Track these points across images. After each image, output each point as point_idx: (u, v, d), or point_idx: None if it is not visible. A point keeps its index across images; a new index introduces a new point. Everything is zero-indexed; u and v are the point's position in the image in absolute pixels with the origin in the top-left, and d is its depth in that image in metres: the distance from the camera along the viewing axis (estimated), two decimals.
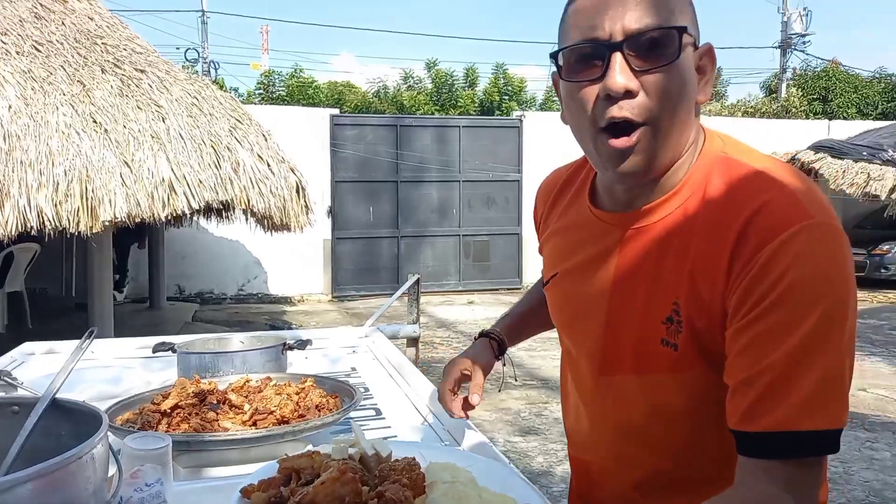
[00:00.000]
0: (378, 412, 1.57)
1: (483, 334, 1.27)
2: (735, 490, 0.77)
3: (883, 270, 11.05)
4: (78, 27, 5.99)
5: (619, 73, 0.80)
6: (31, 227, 4.65)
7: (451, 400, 1.17)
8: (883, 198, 10.54)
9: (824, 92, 17.86)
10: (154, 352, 1.85)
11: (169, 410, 1.28)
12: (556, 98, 0.86)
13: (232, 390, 1.36)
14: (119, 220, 4.83)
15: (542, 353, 6.63)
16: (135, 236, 9.07)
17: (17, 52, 5.40)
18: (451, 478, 0.68)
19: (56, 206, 4.67)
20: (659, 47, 0.81)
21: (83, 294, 7.30)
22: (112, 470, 0.88)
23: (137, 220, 4.93)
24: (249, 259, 10.50)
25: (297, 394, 1.37)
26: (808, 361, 0.74)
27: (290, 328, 8.02)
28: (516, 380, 5.67)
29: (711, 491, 0.79)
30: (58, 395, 0.93)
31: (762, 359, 0.76)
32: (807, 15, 17.88)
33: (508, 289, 11.31)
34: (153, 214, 4.93)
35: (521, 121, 11.58)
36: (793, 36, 18.15)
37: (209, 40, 16.51)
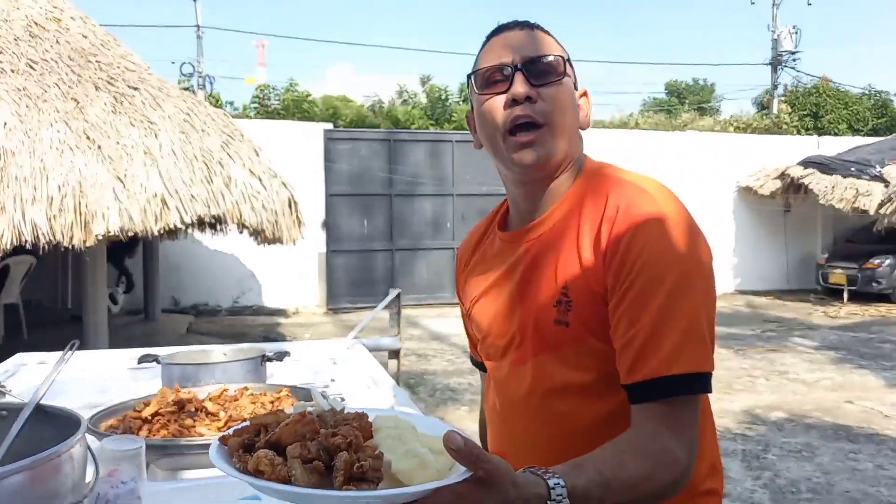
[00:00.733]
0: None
1: None
2: (626, 432, 0.94)
3: (874, 284, 11.15)
4: (72, 45, 6.10)
5: (521, 84, 1.03)
6: (26, 241, 4.73)
7: None
8: (871, 213, 10.66)
9: (815, 108, 18.05)
10: (139, 363, 1.92)
11: (150, 417, 1.36)
12: None
13: (209, 399, 1.44)
14: (112, 234, 4.91)
15: None
16: (124, 248, 9.13)
17: (13, 70, 5.50)
18: (394, 425, 0.79)
19: (50, 220, 4.75)
20: (549, 69, 1.05)
21: (79, 306, 7.36)
22: (91, 469, 0.96)
23: (130, 234, 5.01)
24: (244, 272, 10.57)
25: (272, 402, 1.44)
26: (669, 321, 0.94)
27: (283, 340, 8.07)
28: None
29: None
30: (42, 402, 1.01)
31: (634, 323, 0.95)
32: (796, 33, 18.10)
33: None
34: (146, 229, 5.01)
35: None
36: (783, 53, 18.36)
37: (205, 55, 16.64)
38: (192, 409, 1.39)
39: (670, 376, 0.93)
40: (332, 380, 2.05)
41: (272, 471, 0.71)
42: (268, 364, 1.83)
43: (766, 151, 12.70)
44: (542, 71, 1.04)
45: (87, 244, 4.85)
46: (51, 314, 8.93)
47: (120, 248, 9.12)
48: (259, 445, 0.75)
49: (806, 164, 11.66)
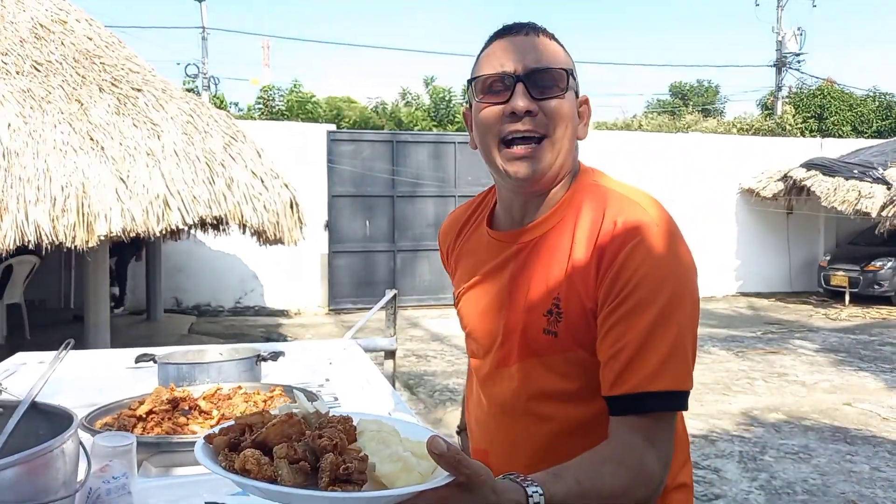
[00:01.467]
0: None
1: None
2: (605, 443, 0.96)
3: (875, 287, 11.13)
4: (77, 47, 6.15)
5: (521, 97, 1.02)
6: (29, 241, 4.77)
7: None
8: (874, 215, 10.65)
9: (819, 110, 18.04)
10: (136, 362, 1.96)
11: (144, 415, 1.39)
12: None
13: (203, 398, 1.47)
14: (114, 234, 4.95)
15: None
16: (132, 250, 9.19)
17: (17, 72, 5.55)
18: (378, 428, 0.82)
19: (53, 220, 4.79)
20: (552, 82, 1.03)
21: (82, 306, 7.41)
22: (83, 464, 0.99)
23: (132, 234, 5.05)
24: (246, 272, 10.61)
25: (265, 401, 1.48)
26: (657, 338, 0.96)
27: (284, 341, 8.11)
28: None
29: None
30: (38, 400, 1.04)
31: (623, 337, 0.97)
32: (801, 34, 18.06)
33: None
34: (148, 229, 5.05)
35: None
36: (788, 55, 18.34)
37: (209, 56, 16.71)
38: (186, 408, 1.42)
39: (652, 392, 0.95)
40: (327, 379, 2.09)
41: (259, 470, 0.72)
42: (263, 364, 1.87)
43: (769, 153, 12.69)
44: (544, 84, 1.03)
45: (90, 245, 4.89)
46: (54, 314, 8.99)
47: (127, 252, 9.19)
48: (245, 445, 0.76)
49: (809, 166, 11.65)
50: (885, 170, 11.19)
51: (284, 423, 0.77)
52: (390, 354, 3.72)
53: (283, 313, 10.60)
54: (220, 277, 10.51)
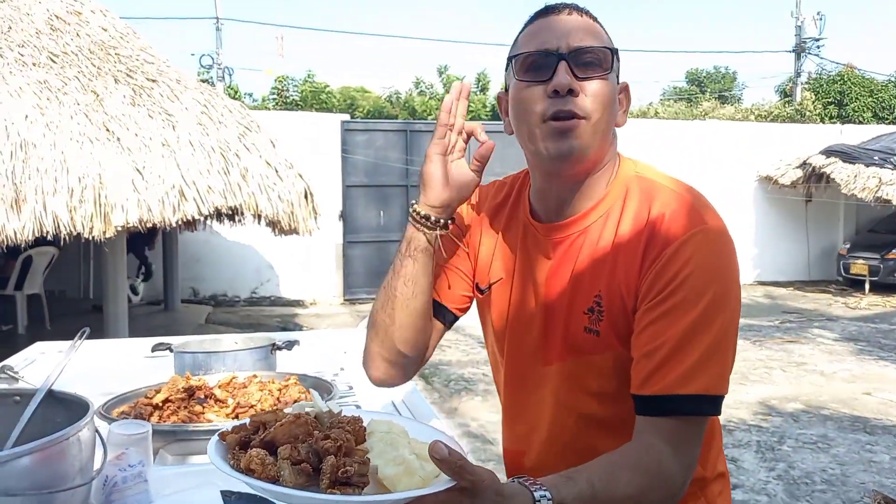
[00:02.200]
0: (358, 408, 1.68)
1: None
2: (627, 444, 0.94)
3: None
4: (92, 38, 6.18)
5: (565, 75, 0.97)
6: (47, 232, 4.82)
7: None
8: (894, 203, 10.51)
9: (839, 96, 17.77)
10: (152, 351, 1.97)
11: (160, 404, 1.40)
12: None
13: (219, 386, 1.47)
14: (131, 225, 4.98)
15: None
16: (144, 239, 9.27)
17: (34, 64, 5.59)
18: (387, 429, 0.82)
19: (70, 211, 4.83)
20: (596, 61, 0.99)
21: (100, 296, 7.49)
22: (99, 452, 1.00)
23: (149, 225, 5.09)
24: (262, 262, 10.67)
25: (280, 390, 1.48)
26: (695, 339, 0.92)
27: (300, 330, 8.15)
28: None
29: None
30: (55, 388, 1.04)
31: (660, 335, 0.93)
32: (820, 19, 17.77)
33: None
34: (164, 220, 5.08)
35: None
36: (807, 40, 18.06)
37: (224, 47, 16.74)
38: (202, 396, 1.42)
39: (684, 395, 0.92)
40: (342, 368, 2.08)
41: (262, 470, 0.74)
42: (278, 353, 1.87)
43: (788, 140, 12.53)
44: (588, 63, 0.98)
45: (107, 235, 4.93)
46: (73, 304, 9.10)
47: (140, 240, 9.26)
48: (254, 444, 0.78)
49: (828, 153, 11.50)
50: None
51: (292, 424, 0.78)
52: None
53: (298, 303, 10.65)
54: (237, 268, 10.58)
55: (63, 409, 1.02)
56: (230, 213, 5.75)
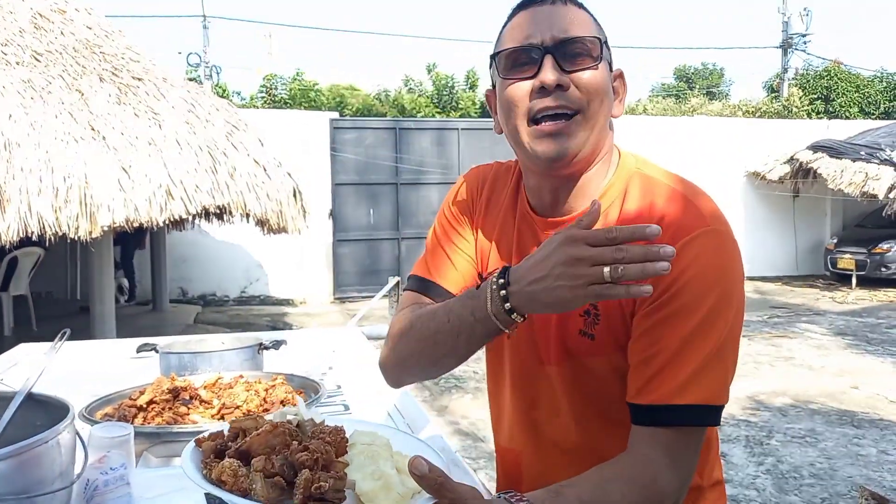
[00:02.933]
0: (346, 407, 1.67)
1: None
2: (621, 455, 0.90)
3: (883, 269, 11.08)
4: (76, 37, 6.12)
5: (551, 70, 0.92)
6: (32, 233, 4.77)
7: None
8: (881, 197, 10.58)
9: (826, 91, 17.88)
10: (138, 352, 1.95)
11: (145, 405, 1.38)
12: None
13: (204, 387, 1.46)
14: (118, 225, 4.94)
15: None
16: (134, 240, 9.21)
17: (17, 62, 5.53)
18: (370, 441, 0.80)
19: (56, 211, 4.79)
20: (584, 52, 0.94)
21: (87, 297, 7.43)
22: (80, 455, 0.98)
23: (136, 224, 5.05)
24: (251, 262, 10.62)
25: (266, 390, 1.46)
26: (695, 347, 0.88)
27: (290, 329, 8.12)
28: None
29: None
30: (36, 391, 1.03)
31: (658, 342, 0.89)
32: (807, 15, 17.87)
33: None
34: (151, 219, 5.04)
35: None
36: (794, 36, 18.15)
37: (211, 45, 16.64)
38: (187, 397, 1.41)
39: (682, 405, 0.87)
40: (330, 368, 2.07)
41: (234, 482, 0.72)
42: (266, 353, 1.85)
43: (775, 136, 12.60)
44: (575, 54, 0.93)
45: (93, 235, 4.89)
46: (60, 306, 9.03)
47: (128, 245, 9.21)
48: (229, 453, 0.76)
49: (815, 148, 11.57)
50: (892, 151, 11.08)
51: (269, 434, 0.76)
52: None
53: (288, 302, 10.61)
54: (226, 267, 10.53)
55: (43, 412, 1.00)
56: (218, 212, 5.72)
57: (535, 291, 0.83)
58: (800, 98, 17.38)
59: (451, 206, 1.16)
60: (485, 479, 3.40)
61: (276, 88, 16.57)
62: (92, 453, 1.00)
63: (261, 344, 1.80)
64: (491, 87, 1.05)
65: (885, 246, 11.13)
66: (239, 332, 7.40)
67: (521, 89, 0.94)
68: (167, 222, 5.27)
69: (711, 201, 0.96)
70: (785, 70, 18.60)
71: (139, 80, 5.93)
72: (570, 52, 0.93)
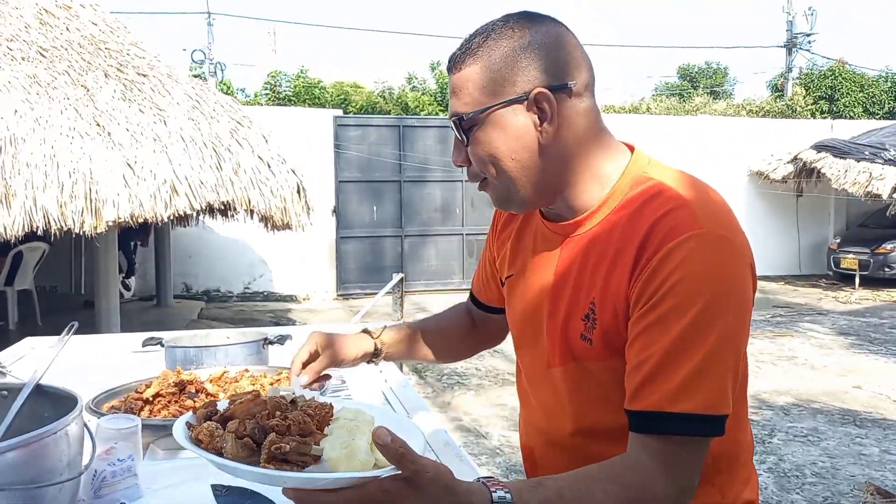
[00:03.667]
0: (348, 399, 1.68)
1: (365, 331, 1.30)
2: (618, 456, 0.88)
3: (886, 269, 11.06)
4: (82, 32, 6.13)
5: (454, 150, 1.01)
6: (37, 228, 4.79)
7: (298, 372, 1.13)
8: (885, 197, 10.56)
9: (830, 91, 17.85)
10: (143, 346, 1.96)
11: (151, 398, 1.39)
12: None
13: (210, 381, 1.47)
14: (122, 220, 4.96)
15: None
16: (137, 234, 9.22)
17: (23, 58, 5.54)
18: (353, 417, 0.82)
19: (61, 206, 4.80)
20: (468, 126, 0.96)
21: (92, 292, 7.46)
22: (88, 447, 0.99)
23: (140, 220, 5.06)
24: (255, 258, 10.64)
25: (272, 384, 1.47)
26: (687, 351, 0.85)
27: (293, 325, 8.13)
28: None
29: None
30: (43, 383, 1.04)
31: (649, 347, 0.87)
32: (812, 14, 17.83)
33: None
34: (155, 215, 5.05)
35: None
36: (798, 35, 18.12)
37: (215, 42, 16.68)
38: (193, 391, 1.42)
39: (675, 413, 0.84)
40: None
41: (209, 441, 0.78)
42: (271, 348, 1.86)
43: (779, 136, 12.58)
44: (464, 129, 0.96)
45: (98, 230, 4.90)
46: (65, 300, 9.06)
47: (131, 235, 9.22)
48: (215, 418, 0.82)
49: (819, 147, 11.55)
50: None
51: (251, 402, 0.82)
52: None
53: (291, 298, 10.63)
54: (230, 263, 10.55)
55: (51, 403, 1.01)
56: (223, 208, 5.73)
57: None
58: (804, 98, 17.36)
59: (492, 223, 1.25)
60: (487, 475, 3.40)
61: (279, 86, 16.59)
62: (100, 445, 1.01)
63: (266, 339, 1.80)
64: None
65: (888, 246, 11.11)
66: (243, 328, 7.42)
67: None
68: (172, 218, 5.29)
69: (715, 204, 0.93)
70: (789, 69, 18.57)
71: (144, 76, 5.94)
72: (463, 126, 0.96)
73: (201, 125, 5.71)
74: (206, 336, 1.87)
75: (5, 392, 1.05)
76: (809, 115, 16.23)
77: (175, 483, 1.07)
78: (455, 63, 0.97)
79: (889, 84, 18.81)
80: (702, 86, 26.55)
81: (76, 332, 1.14)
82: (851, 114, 16.97)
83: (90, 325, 6.04)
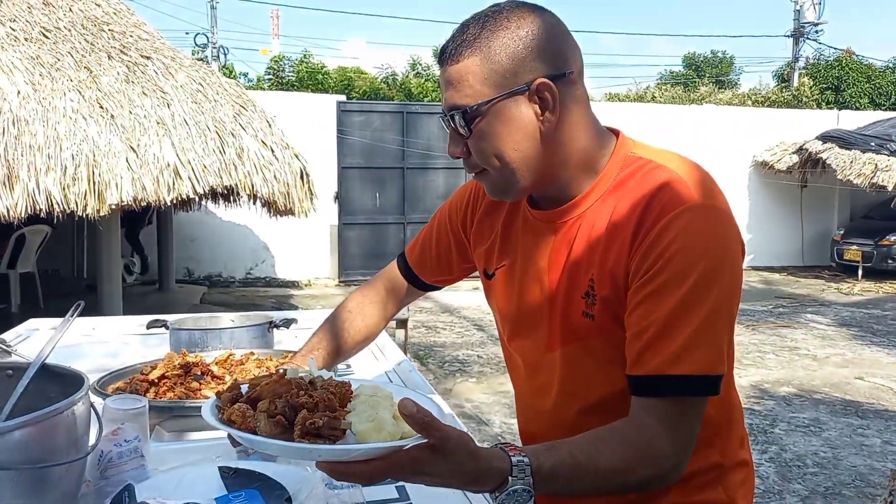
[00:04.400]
0: None
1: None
2: (620, 421, 0.93)
3: (889, 261, 11.04)
4: (85, 14, 6.09)
5: (450, 141, 1.00)
6: (40, 210, 4.77)
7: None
8: (890, 188, 10.52)
9: (837, 81, 17.72)
10: (148, 328, 1.95)
11: (156, 380, 1.38)
12: None
13: (215, 363, 1.46)
14: (126, 203, 4.94)
15: None
16: (139, 223, 9.22)
17: (26, 39, 5.51)
18: (373, 393, 0.86)
19: (64, 189, 4.79)
20: (462, 123, 0.97)
21: (94, 275, 7.45)
22: (95, 427, 0.98)
23: (143, 203, 5.05)
24: (257, 243, 10.64)
25: (277, 367, 1.46)
26: (685, 318, 0.90)
27: (295, 310, 8.14)
28: None
29: None
30: (49, 363, 1.03)
31: (649, 315, 0.92)
32: (820, 3, 17.71)
33: None
34: (158, 198, 5.04)
35: None
36: (805, 25, 17.99)
37: (219, 25, 16.59)
38: (199, 373, 1.41)
39: (675, 375, 0.90)
40: None
41: (242, 421, 0.81)
42: (275, 331, 1.85)
43: (784, 126, 12.51)
44: (465, 119, 0.96)
45: (101, 213, 4.89)
46: (67, 284, 9.06)
47: (133, 225, 9.22)
48: (242, 400, 0.84)
49: (824, 138, 11.49)
50: None
51: (276, 383, 0.84)
52: (402, 323, 3.72)
53: (293, 284, 10.63)
54: (232, 248, 10.55)
55: (57, 383, 1.00)
56: (225, 193, 5.71)
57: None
58: (810, 88, 17.25)
59: (454, 205, 1.25)
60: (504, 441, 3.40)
61: (283, 70, 16.51)
62: (106, 425, 1.00)
63: (271, 322, 1.80)
64: None
65: (891, 238, 11.08)
66: (245, 312, 7.43)
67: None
68: (174, 202, 5.27)
69: (704, 178, 0.97)
70: (796, 59, 18.46)
71: (147, 58, 5.90)
72: (454, 121, 0.97)
73: (205, 109, 5.68)
74: (211, 319, 1.86)
75: (10, 371, 1.04)
76: (815, 106, 16.13)
77: (183, 465, 1.07)
78: (451, 55, 0.96)
79: None
80: (707, 75, 26.40)
81: (80, 317, 1.14)
82: (858, 104, 16.87)
83: (92, 309, 6.03)
